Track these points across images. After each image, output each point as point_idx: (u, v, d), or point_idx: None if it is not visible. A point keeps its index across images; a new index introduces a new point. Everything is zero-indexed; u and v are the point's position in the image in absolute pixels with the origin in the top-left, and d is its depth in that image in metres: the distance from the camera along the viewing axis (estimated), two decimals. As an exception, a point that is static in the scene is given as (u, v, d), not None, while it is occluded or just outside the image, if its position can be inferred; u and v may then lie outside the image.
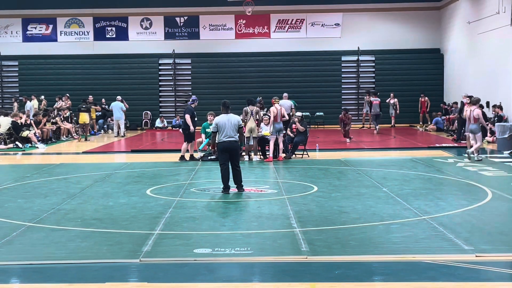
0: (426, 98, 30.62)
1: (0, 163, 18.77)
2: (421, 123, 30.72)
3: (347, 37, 32.32)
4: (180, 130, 19.94)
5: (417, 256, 7.60)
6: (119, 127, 27.68)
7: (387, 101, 30.41)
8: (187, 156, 18.06)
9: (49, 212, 10.62)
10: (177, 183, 13.75)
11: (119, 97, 28.00)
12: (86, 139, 25.67)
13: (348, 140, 23.35)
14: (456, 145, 21.31)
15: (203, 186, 13.33)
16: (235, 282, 6.80)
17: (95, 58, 32.77)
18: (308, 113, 30.30)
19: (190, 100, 18.93)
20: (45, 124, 24.94)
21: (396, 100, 30.37)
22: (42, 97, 29.30)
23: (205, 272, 7.16)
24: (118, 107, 27.46)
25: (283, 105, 21.26)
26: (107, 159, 19.46)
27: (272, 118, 17.70)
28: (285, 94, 22.92)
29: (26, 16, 32.72)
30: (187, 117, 17.85)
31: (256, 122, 18.09)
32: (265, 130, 18.11)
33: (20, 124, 23.23)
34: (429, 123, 30.24)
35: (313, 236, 8.61)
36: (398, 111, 30.33)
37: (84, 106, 26.46)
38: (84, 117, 25.99)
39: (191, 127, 17.74)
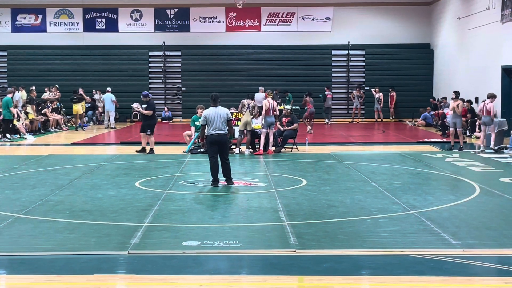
0: (394, 93, 30.83)
1: (-12, 153, 18.67)
2: (392, 117, 31.02)
3: (338, 31, 32.31)
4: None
5: (405, 250, 7.63)
6: (109, 119, 27.64)
7: (372, 91, 30.66)
8: (148, 148, 18.02)
9: (37, 203, 10.58)
10: (166, 176, 13.74)
11: (109, 89, 27.93)
12: (78, 129, 25.66)
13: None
14: (445, 140, 21.39)
15: (192, 179, 13.32)
16: (224, 275, 6.81)
17: (84, 49, 32.59)
18: (298, 107, 30.27)
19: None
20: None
21: (381, 94, 30.55)
22: (33, 87, 29.15)
23: (194, 264, 7.17)
24: (109, 98, 27.44)
25: (257, 97, 21.24)
26: (96, 151, 19.40)
27: (264, 112, 17.70)
28: (260, 88, 22.97)
29: (15, 6, 32.49)
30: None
31: (252, 116, 18.10)
32: (255, 123, 18.11)
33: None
34: (392, 117, 30.64)
35: (301, 230, 8.62)
36: (381, 105, 30.60)
37: (76, 97, 26.43)
38: (77, 108, 26.02)
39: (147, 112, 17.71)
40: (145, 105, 17.91)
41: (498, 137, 19.15)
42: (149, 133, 17.87)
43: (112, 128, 27.19)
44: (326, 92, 29.98)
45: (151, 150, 17.91)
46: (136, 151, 17.90)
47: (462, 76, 27.28)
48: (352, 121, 30.99)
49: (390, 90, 30.92)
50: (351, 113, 32.29)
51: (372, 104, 31.42)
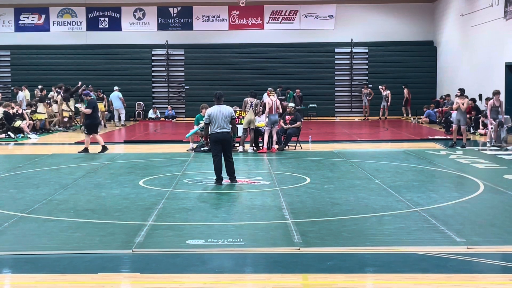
0: (406, 89, 30.75)
1: (-8, 153, 18.71)
2: (404, 115, 30.93)
3: (341, 29, 32.29)
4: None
5: (409, 248, 7.62)
6: (119, 116, 28.14)
7: (380, 87, 30.66)
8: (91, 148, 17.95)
9: (42, 202, 10.60)
10: (170, 174, 13.74)
11: (116, 87, 28.22)
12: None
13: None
14: (448, 137, 21.35)
15: (196, 177, 13.32)
16: (228, 273, 6.81)
17: (87, 48, 32.64)
18: (301, 105, 30.35)
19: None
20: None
21: (388, 92, 30.50)
22: (40, 87, 29.31)
23: (198, 263, 7.17)
24: (115, 97, 27.76)
25: (264, 95, 21.21)
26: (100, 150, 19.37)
27: (267, 110, 17.68)
28: (269, 88, 22.90)
29: (18, 5, 32.53)
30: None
31: (256, 114, 18.05)
32: (258, 121, 18.09)
33: (12, 114, 23.16)
34: (409, 115, 30.53)
35: (305, 228, 8.62)
36: (389, 103, 30.53)
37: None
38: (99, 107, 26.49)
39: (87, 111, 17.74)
40: (86, 104, 18.12)
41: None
42: (86, 132, 17.86)
43: (123, 125, 27.61)
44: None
45: (103, 148, 17.81)
46: (78, 152, 17.84)
47: (466, 73, 27.24)
48: (365, 119, 30.96)
49: (404, 87, 30.77)
50: (354, 111, 32.30)
51: (377, 102, 31.33)
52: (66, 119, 26.25)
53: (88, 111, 17.74)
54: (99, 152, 17.65)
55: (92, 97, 18.27)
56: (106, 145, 17.97)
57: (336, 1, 32.29)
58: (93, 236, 8.32)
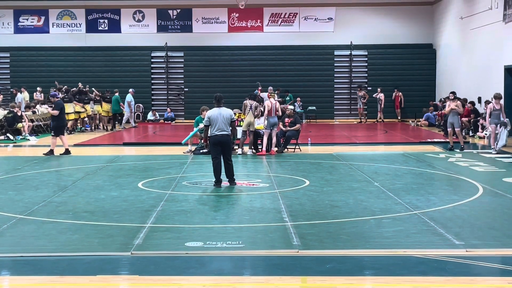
0: (400, 93, 30.85)
1: (-9, 155, 18.70)
2: (399, 117, 31.02)
3: (340, 31, 32.31)
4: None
5: (408, 251, 7.62)
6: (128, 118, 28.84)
7: (374, 95, 30.79)
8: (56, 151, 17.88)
9: (40, 204, 10.59)
10: (169, 176, 13.74)
11: (131, 90, 28.66)
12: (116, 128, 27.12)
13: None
14: (447, 140, 21.33)
15: (195, 180, 13.33)
16: (226, 276, 6.81)
17: (87, 50, 32.64)
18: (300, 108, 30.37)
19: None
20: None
21: (382, 95, 30.56)
22: (39, 88, 29.30)
23: (197, 265, 7.17)
24: (125, 100, 28.46)
25: (264, 97, 21.30)
26: (99, 152, 19.41)
27: (266, 112, 17.68)
28: (270, 88, 22.95)
29: (17, 7, 32.53)
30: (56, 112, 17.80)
31: (255, 117, 18.03)
32: (258, 124, 18.09)
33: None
34: (399, 118, 30.63)
35: (304, 230, 8.62)
36: (382, 106, 30.63)
37: (108, 96, 27.20)
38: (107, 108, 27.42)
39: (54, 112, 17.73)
40: (52, 106, 18.15)
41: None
42: (53, 134, 17.82)
43: (121, 127, 27.73)
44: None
45: (66, 151, 17.77)
46: (43, 154, 17.73)
47: (465, 76, 27.25)
48: (361, 122, 30.99)
49: (396, 90, 30.91)
50: (353, 114, 32.31)
51: (374, 105, 31.38)
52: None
53: (56, 112, 17.71)
54: (60, 154, 17.62)
55: (59, 98, 18.27)
56: (69, 149, 17.95)
57: (335, 3, 32.31)
58: (92, 238, 8.32)
